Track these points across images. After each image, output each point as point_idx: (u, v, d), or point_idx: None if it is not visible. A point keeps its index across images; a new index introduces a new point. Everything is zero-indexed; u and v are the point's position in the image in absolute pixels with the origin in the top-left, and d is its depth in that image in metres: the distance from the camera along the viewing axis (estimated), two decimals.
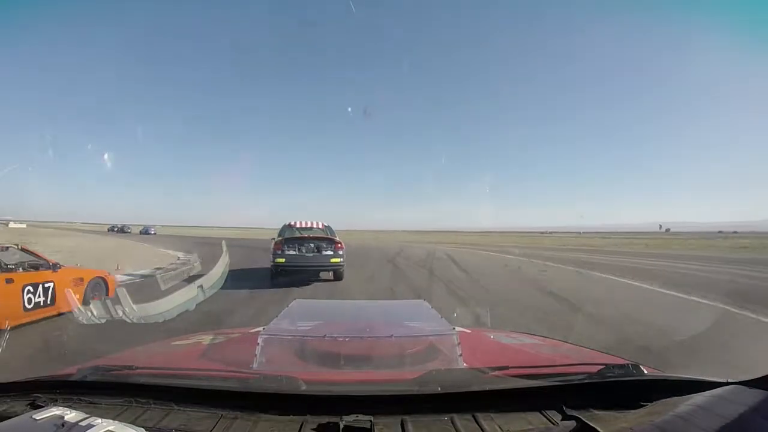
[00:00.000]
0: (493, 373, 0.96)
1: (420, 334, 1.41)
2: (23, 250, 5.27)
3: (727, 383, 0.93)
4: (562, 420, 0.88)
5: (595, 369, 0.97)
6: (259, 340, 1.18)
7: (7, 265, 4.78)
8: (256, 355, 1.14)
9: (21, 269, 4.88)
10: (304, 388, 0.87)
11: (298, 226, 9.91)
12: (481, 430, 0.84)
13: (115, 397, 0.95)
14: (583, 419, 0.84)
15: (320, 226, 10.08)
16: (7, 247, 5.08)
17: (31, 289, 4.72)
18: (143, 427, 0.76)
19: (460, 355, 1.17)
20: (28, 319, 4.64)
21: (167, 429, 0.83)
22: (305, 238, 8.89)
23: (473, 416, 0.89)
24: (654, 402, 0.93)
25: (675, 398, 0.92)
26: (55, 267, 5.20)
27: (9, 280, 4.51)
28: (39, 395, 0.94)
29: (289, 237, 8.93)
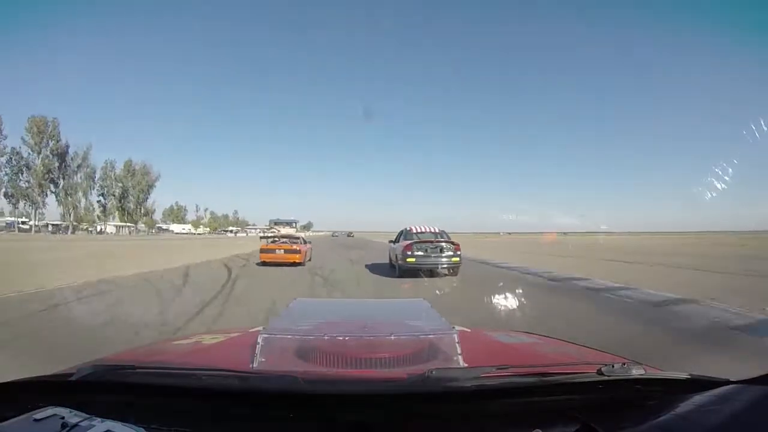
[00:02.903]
0: (493, 372, 0.96)
1: (420, 333, 1.41)
2: (296, 237, 13.90)
3: (728, 382, 0.93)
4: (561, 419, 0.88)
5: (595, 368, 0.96)
6: (259, 340, 1.18)
7: (304, 241, 14.16)
8: (256, 355, 1.14)
9: (309, 244, 14.56)
10: (304, 387, 0.87)
11: (416, 231, 11.10)
12: (481, 428, 0.84)
13: (115, 397, 0.95)
14: (583, 418, 0.84)
15: (436, 230, 11.24)
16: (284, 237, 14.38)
17: (308, 250, 14.11)
18: (143, 427, 0.76)
19: (460, 354, 1.17)
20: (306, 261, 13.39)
21: (167, 429, 0.83)
22: (431, 241, 10.22)
23: (473, 415, 0.89)
24: (654, 401, 0.93)
25: (675, 397, 0.92)
26: (308, 242, 14.59)
27: (310, 249, 14.62)
28: (39, 395, 0.94)
29: (417, 240, 10.33)
